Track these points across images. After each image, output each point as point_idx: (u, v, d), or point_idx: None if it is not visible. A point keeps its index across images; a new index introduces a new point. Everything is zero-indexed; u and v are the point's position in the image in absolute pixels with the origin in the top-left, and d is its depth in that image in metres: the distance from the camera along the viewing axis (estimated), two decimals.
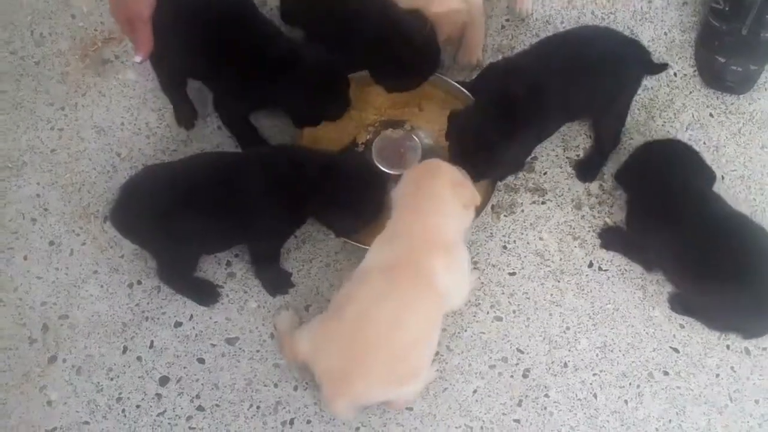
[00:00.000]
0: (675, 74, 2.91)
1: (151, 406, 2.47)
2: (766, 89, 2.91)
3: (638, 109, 2.80)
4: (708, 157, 2.62)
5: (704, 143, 2.79)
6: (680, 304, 2.56)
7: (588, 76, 2.41)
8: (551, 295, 2.62)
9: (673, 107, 2.81)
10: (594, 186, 2.69)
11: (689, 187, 2.42)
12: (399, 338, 2.10)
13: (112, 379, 2.51)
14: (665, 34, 2.94)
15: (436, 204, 2.24)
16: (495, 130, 2.41)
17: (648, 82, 2.80)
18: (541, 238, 2.65)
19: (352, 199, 2.42)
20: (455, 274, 2.24)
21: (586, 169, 2.72)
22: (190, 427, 2.44)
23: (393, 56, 2.60)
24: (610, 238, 2.62)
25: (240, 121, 2.76)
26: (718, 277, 2.35)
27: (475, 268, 2.57)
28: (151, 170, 2.52)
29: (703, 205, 2.41)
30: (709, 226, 2.38)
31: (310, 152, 2.53)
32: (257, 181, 2.37)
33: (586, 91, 2.41)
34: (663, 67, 2.59)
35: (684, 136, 2.76)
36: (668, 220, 2.38)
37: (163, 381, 2.49)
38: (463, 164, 2.42)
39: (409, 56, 2.59)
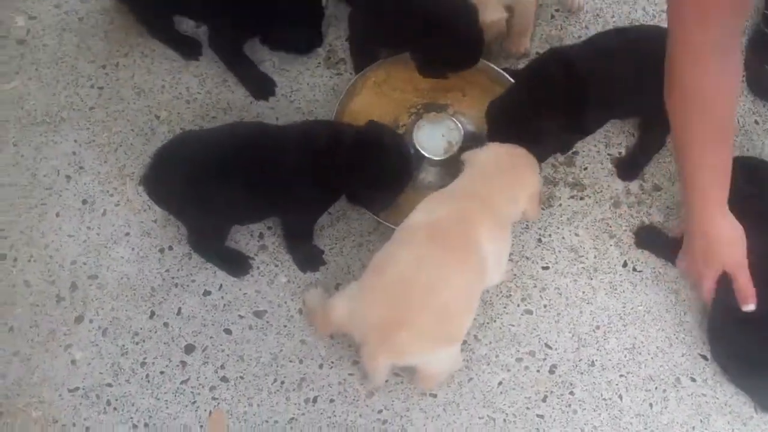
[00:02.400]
0: None
1: (175, 374, 2.46)
2: None
3: None
4: None
5: (747, 150, 2.76)
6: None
7: (641, 75, 2.37)
8: (583, 292, 2.60)
9: None
10: (634, 185, 2.67)
11: None
12: (441, 299, 2.11)
13: (137, 344, 2.49)
14: None
15: (513, 186, 2.27)
16: (530, 108, 2.40)
17: None
18: (577, 234, 2.63)
19: (384, 173, 2.40)
20: (498, 247, 2.25)
21: (628, 167, 2.70)
22: (213, 397, 2.44)
23: (435, 44, 2.57)
24: (645, 237, 2.59)
25: (236, 53, 2.81)
26: None
27: (509, 260, 2.53)
28: (185, 136, 2.49)
29: None
30: None
31: (347, 128, 2.50)
32: (294, 155, 2.34)
33: (637, 90, 2.37)
34: None
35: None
36: None
37: (189, 349, 2.48)
38: (498, 140, 2.41)
39: (450, 47, 2.57)
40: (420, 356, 2.20)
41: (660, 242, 2.58)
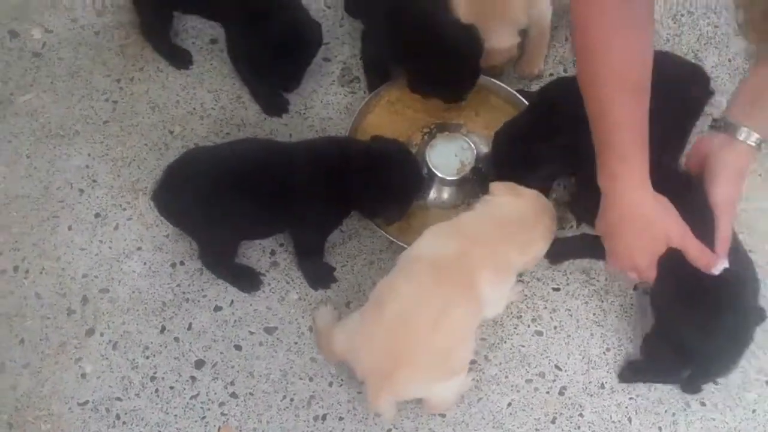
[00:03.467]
0: None
1: (184, 388, 2.46)
2: None
3: (698, 135, 2.74)
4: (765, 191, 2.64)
5: (760, 175, 2.77)
6: (630, 372, 2.52)
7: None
8: (594, 314, 2.60)
9: None
10: None
11: None
12: (440, 337, 2.10)
13: (147, 358, 2.50)
14: (729, 60, 2.91)
15: (528, 242, 2.25)
16: (534, 132, 2.43)
17: (710, 108, 2.74)
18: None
19: (394, 185, 2.41)
20: (497, 291, 2.24)
21: None
22: (222, 413, 2.44)
23: (428, 65, 2.58)
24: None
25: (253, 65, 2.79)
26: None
27: (519, 281, 2.54)
28: (195, 153, 2.51)
29: None
30: None
31: (356, 143, 2.53)
32: (305, 171, 2.36)
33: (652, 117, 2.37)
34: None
35: None
36: None
37: (199, 364, 2.48)
38: (500, 159, 2.47)
39: (443, 70, 2.57)
40: (423, 392, 2.22)
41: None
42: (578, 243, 2.59)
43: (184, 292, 2.56)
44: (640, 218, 1.97)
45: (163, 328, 2.52)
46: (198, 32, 2.92)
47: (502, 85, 2.74)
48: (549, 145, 2.41)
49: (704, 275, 2.01)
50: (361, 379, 2.17)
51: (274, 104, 2.87)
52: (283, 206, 2.37)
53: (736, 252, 2.15)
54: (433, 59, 2.56)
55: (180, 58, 2.94)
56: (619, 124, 1.89)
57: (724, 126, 2.06)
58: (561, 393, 2.46)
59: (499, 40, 2.62)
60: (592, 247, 2.35)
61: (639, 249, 2.02)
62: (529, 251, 2.25)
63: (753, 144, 2.03)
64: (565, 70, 2.87)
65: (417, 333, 2.08)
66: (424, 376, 2.13)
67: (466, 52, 2.58)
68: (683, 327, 2.27)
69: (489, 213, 2.26)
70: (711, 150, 2.09)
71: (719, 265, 1.99)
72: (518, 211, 2.26)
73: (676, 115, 2.47)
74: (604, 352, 2.51)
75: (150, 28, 2.92)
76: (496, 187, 2.31)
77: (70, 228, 2.66)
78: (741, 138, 2.03)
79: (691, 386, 2.44)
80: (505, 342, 2.52)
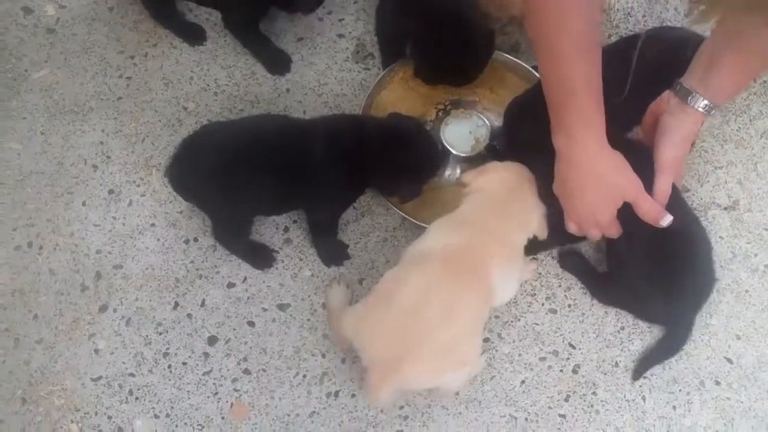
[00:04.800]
0: (754, 80, 2.82)
1: (197, 365, 2.47)
2: None
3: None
4: None
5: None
6: (571, 262, 2.57)
7: (664, 81, 2.35)
8: None
9: (749, 113, 2.75)
10: None
11: None
12: (449, 329, 2.07)
13: (160, 334, 2.50)
14: None
15: (521, 210, 2.23)
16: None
17: None
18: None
19: (410, 162, 2.40)
20: (508, 279, 2.22)
21: None
22: (234, 389, 2.44)
23: (432, 47, 2.58)
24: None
25: (252, 30, 2.83)
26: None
27: (533, 258, 2.52)
28: (211, 127, 2.49)
29: None
30: None
31: (372, 120, 2.52)
32: (321, 148, 2.34)
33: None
34: None
35: (758, 144, 2.70)
36: None
37: (212, 341, 2.48)
38: (514, 135, 2.46)
39: (444, 56, 2.58)
40: (429, 384, 2.20)
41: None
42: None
43: (197, 269, 2.56)
44: (600, 176, 2.04)
45: (176, 305, 2.52)
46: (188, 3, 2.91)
47: (518, 61, 2.73)
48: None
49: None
50: (365, 366, 2.13)
51: (277, 62, 2.87)
52: (298, 183, 2.35)
53: (683, 208, 2.34)
54: (442, 46, 2.56)
55: (193, 34, 2.93)
56: (577, 85, 1.93)
57: (679, 90, 2.12)
58: (574, 371, 2.45)
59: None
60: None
61: (600, 206, 2.10)
62: (529, 223, 2.23)
63: (701, 110, 2.10)
64: None
65: (425, 326, 2.05)
66: (430, 369, 2.09)
67: (475, 46, 2.59)
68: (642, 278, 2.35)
69: (481, 198, 2.24)
70: (664, 112, 2.17)
71: (666, 219, 2.08)
72: (505, 187, 2.25)
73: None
74: (618, 331, 2.49)
75: (158, 11, 2.90)
76: (467, 176, 2.31)
77: (84, 204, 2.66)
78: (691, 103, 2.10)
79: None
80: (519, 320, 2.51)
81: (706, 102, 2.09)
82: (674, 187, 2.24)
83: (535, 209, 2.24)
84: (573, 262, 2.53)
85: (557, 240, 2.53)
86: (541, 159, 2.23)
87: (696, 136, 2.20)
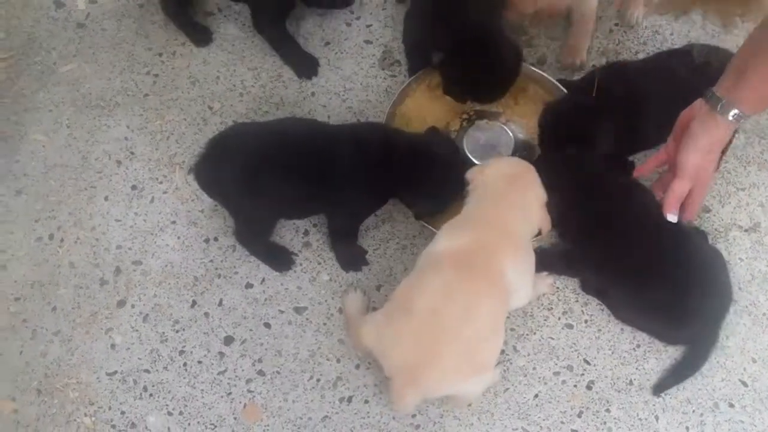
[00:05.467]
0: None
1: (212, 364, 2.48)
2: None
3: (737, 133, 2.72)
4: None
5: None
6: (592, 286, 2.55)
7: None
8: None
9: None
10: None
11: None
12: (469, 331, 2.07)
13: (177, 332, 2.51)
14: None
15: (524, 204, 2.22)
16: (587, 116, 2.43)
17: None
18: None
19: (435, 182, 2.40)
20: (522, 273, 2.21)
21: None
22: (248, 390, 2.45)
23: (461, 61, 2.58)
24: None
25: (281, 31, 2.86)
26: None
27: (550, 273, 2.51)
28: (239, 128, 2.51)
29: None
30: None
31: (402, 134, 2.50)
32: (349, 156, 2.34)
33: None
34: None
35: None
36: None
37: (228, 340, 2.49)
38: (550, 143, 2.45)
39: (473, 70, 2.57)
40: (451, 391, 2.19)
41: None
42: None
43: (216, 268, 2.57)
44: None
45: (194, 303, 2.53)
46: (242, 7, 2.91)
47: (543, 74, 2.73)
48: (606, 125, 2.42)
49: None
50: (387, 375, 2.14)
51: (305, 65, 2.88)
52: (324, 188, 2.36)
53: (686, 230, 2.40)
54: (471, 66, 2.56)
55: (199, 36, 2.95)
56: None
57: (710, 98, 2.12)
58: (588, 387, 2.45)
59: None
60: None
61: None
62: (532, 213, 2.23)
63: (731, 119, 2.10)
64: (607, 62, 2.83)
65: (445, 331, 2.06)
66: (453, 376, 2.10)
67: (502, 66, 2.58)
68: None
69: (484, 196, 2.24)
70: (693, 119, 2.17)
71: (669, 215, 2.23)
72: (504, 180, 2.25)
73: None
74: (634, 349, 2.49)
75: (169, 5, 2.91)
76: (470, 173, 2.31)
77: (106, 199, 2.67)
78: (720, 111, 2.10)
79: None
80: (535, 333, 2.50)
81: (735, 111, 2.09)
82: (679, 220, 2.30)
83: (535, 199, 2.24)
84: (594, 286, 2.52)
85: (560, 269, 2.57)
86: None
87: (723, 147, 2.20)
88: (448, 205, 2.43)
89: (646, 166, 2.37)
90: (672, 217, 2.22)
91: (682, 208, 2.24)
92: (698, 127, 2.15)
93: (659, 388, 2.46)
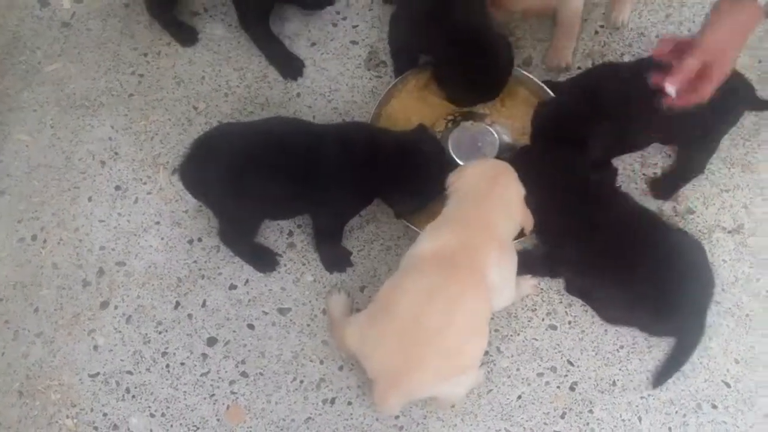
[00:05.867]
0: None
1: (195, 365, 2.47)
2: None
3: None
4: None
5: None
6: (576, 287, 2.56)
7: None
8: None
9: (758, 137, 2.75)
10: (667, 207, 2.65)
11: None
12: (452, 332, 2.07)
13: (160, 333, 2.51)
14: (759, 62, 2.87)
15: (504, 203, 2.22)
16: (579, 115, 2.43)
17: None
18: None
19: (421, 180, 2.40)
20: (505, 273, 2.21)
21: (664, 186, 2.67)
22: (231, 392, 2.45)
23: (453, 64, 2.59)
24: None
25: (265, 31, 2.85)
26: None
27: (534, 275, 2.52)
28: (225, 128, 2.51)
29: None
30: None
31: (388, 132, 2.51)
32: (334, 155, 2.35)
33: (686, 117, 2.36)
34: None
35: (765, 168, 2.70)
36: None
37: (211, 342, 2.49)
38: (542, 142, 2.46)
39: (466, 73, 2.58)
40: (434, 392, 2.20)
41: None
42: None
43: (200, 269, 2.57)
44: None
45: (177, 304, 2.53)
46: (228, 7, 2.90)
47: (530, 76, 2.73)
48: (599, 127, 2.43)
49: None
50: (370, 377, 2.14)
51: (290, 66, 2.87)
52: (309, 187, 2.36)
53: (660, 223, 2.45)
54: (467, 61, 2.56)
55: (185, 35, 2.95)
56: None
57: None
58: (572, 388, 2.45)
59: None
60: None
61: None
62: (513, 211, 2.23)
63: (762, 2, 2.06)
64: (592, 64, 2.83)
65: (427, 332, 2.06)
66: (435, 377, 2.10)
67: (499, 65, 2.60)
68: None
69: (465, 197, 2.24)
70: (717, 7, 2.11)
71: (668, 87, 2.08)
72: (484, 181, 2.25)
73: (716, 121, 2.54)
74: (617, 350, 2.49)
75: (154, 5, 2.90)
76: (448, 177, 2.32)
77: (90, 199, 2.67)
78: None
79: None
80: (519, 334, 2.51)
81: None
82: (652, 213, 2.43)
83: (517, 197, 2.24)
84: (578, 287, 2.52)
85: (542, 271, 2.58)
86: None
87: (748, 34, 2.13)
88: (431, 202, 2.43)
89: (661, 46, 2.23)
90: (670, 89, 2.10)
91: (693, 87, 2.12)
92: (726, 6, 2.09)
93: (659, 381, 2.47)
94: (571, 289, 2.51)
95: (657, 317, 2.38)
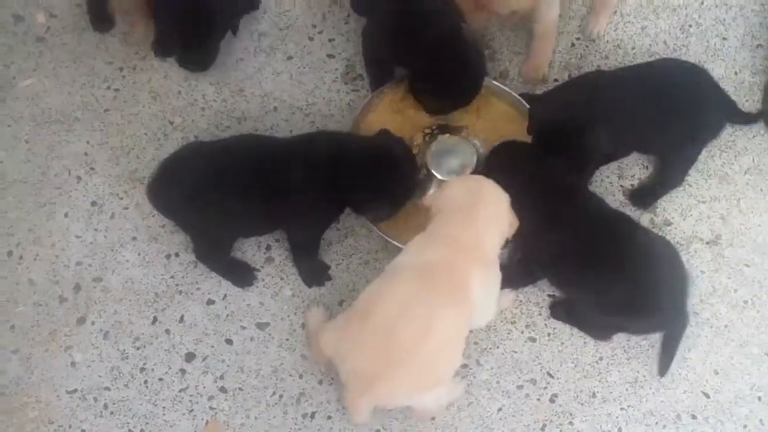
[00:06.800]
0: None
1: (174, 381, 2.46)
2: None
3: None
4: (764, 205, 2.66)
5: (761, 189, 2.75)
6: (562, 311, 2.55)
7: (673, 115, 2.47)
8: None
9: (734, 148, 2.77)
10: (645, 219, 2.67)
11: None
12: (427, 343, 2.08)
13: (138, 349, 2.49)
14: (735, 73, 2.88)
15: (491, 219, 2.22)
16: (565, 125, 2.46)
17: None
18: None
19: (388, 182, 2.41)
20: (488, 290, 2.22)
21: (644, 196, 2.70)
22: (210, 407, 2.44)
23: (426, 71, 2.61)
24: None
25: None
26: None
27: (512, 288, 2.52)
28: (191, 147, 2.51)
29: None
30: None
31: (352, 137, 2.55)
32: (298, 167, 2.36)
33: (662, 127, 2.38)
34: (751, 118, 2.69)
35: (742, 179, 2.71)
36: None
37: (189, 357, 2.48)
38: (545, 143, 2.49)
39: (438, 80, 2.60)
40: (405, 401, 2.21)
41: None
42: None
43: (177, 284, 2.56)
44: None
45: (155, 320, 2.52)
46: None
47: (506, 88, 2.74)
48: (602, 132, 2.45)
49: None
50: (343, 382, 2.15)
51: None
52: (277, 202, 2.37)
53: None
54: (438, 69, 2.58)
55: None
56: None
57: None
58: (552, 400, 2.46)
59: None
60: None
61: None
62: (499, 227, 2.24)
63: None
64: (569, 76, 2.84)
65: (403, 342, 2.06)
66: (407, 386, 2.12)
67: (470, 71, 2.62)
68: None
69: (449, 214, 2.23)
70: None
71: None
72: (469, 197, 2.24)
73: (696, 133, 2.59)
74: (597, 361, 2.49)
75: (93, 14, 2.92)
76: (427, 199, 2.36)
77: (66, 215, 2.65)
78: None
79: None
80: (498, 347, 2.51)
81: None
82: (623, 215, 2.44)
83: (501, 210, 2.25)
84: (563, 311, 2.54)
85: (519, 280, 2.58)
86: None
87: None
88: (402, 206, 2.45)
89: None
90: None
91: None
92: None
93: (663, 370, 2.50)
94: (556, 313, 2.51)
95: (640, 316, 2.39)
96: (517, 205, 2.27)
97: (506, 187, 2.26)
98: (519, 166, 2.39)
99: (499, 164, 2.38)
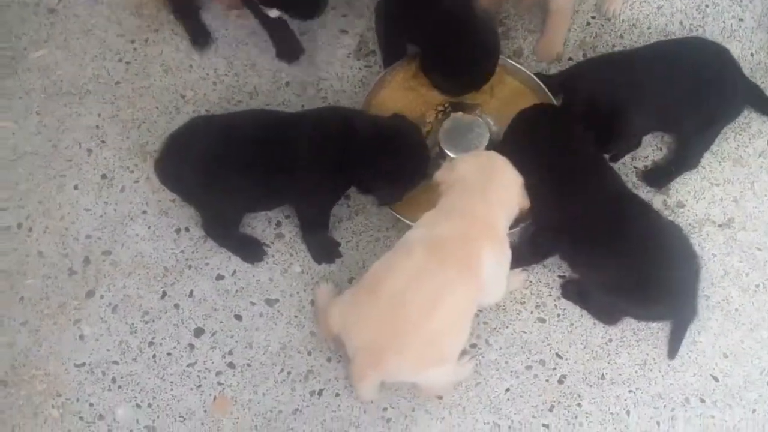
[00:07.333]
0: None
1: (182, 356, 2.46)
2: None
3: None
4: None
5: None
6: (573, 291, 2.54)
7: (699, 96, 2.46)
8: None
9: (749, 131, 2.74)
10: (657, 200, 2.65)
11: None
12: (434, 319, 2.07)
13: (146, 323, 2.49)
14: (752, 55, 2.86)
15: (504, 196, 2.21)
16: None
17: None
18: None
19: (397, 166, 2.39)
20: (499, 267, 2.21)
21: (658, 177, 2.68)
22: (218, 382, 2.43)
23: (439, 50, 2.58)
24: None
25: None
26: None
27: (524, 269, 2.51)
28: (198, 122, 2.49)
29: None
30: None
31: (364, 115, 2.52)
32: (305, 141, 2.35)
33: (688, 108, 2.36)
34: None
35: (756, 162, 2.69)
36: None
37: (198, 332, 2.47)
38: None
39: (452, 59, 2.57)
40: (411, 377, 2.20)
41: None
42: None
43: (187, 259, 2.55)
44: None
45: (164, 294, 2.51)
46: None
47: (520, 66, 2.72)
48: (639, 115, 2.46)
49: None
50: (350, 356, 2.14)
51: (289, 49, 2.84)
52: (285, 177, 2.36)
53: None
54: (452, 52, 2.55)
55: (201, 37, 2.89)
56: None
57: None
58: (560, 381, 2.45)
59: None
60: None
61: None
62: (509, 202, 2.24)
63: None
64: (584, 55, 2.82)
65: (411, 317, 2.06)
66: (413, 361, 2.11)
67: (485, 53, 2.59)
68: None
69: (460, 188, 2.22)
70: None
71: None
72: (481, 172, 2.24)
73: (716, 115, 2.58)
74: (606, 343, 2.49)
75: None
76: (439, 174, 2.33)
77: (76, 188, 2.64)
78: None
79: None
80: (507, 327, 2.50)
81: None
82: (638, 198, 2.41)
83: (514, 187, 2.24)
84: (575, 291, 2.52)
85: (530, 259, 2.56)
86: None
87: None
88: (407, 191, 2.44)
89: None
90: None
91: None
92: None
93: (672, 353, 2.49)
94: (567, 294, 2.49)
95: (651, 301, 2.38)
96: (538, 170, 2.27)
97: (528, 150, 2.29)
98: (546, 130, 2.38)
99: (525, 125, 2.35)
